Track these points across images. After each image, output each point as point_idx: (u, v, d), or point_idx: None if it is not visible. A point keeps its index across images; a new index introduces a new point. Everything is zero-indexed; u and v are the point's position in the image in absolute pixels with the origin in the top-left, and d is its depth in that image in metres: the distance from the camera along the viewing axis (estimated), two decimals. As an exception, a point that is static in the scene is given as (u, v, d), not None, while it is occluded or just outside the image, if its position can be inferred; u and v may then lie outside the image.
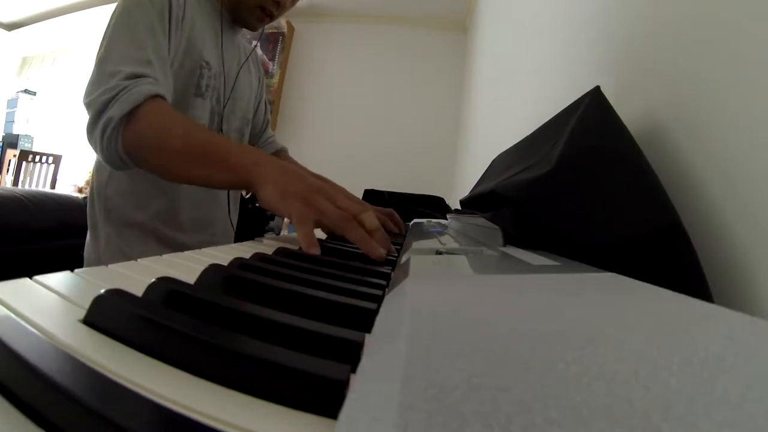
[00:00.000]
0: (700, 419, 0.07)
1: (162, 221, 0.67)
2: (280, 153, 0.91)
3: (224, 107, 0.73)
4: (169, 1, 0.59)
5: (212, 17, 0.70)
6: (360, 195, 1.74)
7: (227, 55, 0.73)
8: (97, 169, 0.68)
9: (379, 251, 0.37)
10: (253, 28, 0.75)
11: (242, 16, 0.73)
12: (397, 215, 0.75)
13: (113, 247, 0.65)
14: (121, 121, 0.48)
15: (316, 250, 0.36)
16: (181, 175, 0.50)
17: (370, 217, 0.40)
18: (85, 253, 0.69)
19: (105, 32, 0.56)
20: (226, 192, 0.78)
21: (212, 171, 0.47)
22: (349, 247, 0.40)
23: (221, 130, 0.74)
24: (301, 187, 0.41)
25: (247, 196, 1.00)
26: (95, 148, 0.51)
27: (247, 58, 0.80)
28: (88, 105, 0.50)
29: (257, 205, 1.78)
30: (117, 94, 0.48)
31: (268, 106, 0.93)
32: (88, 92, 0.51)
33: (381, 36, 3.07)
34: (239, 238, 0.79)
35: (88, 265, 0.66)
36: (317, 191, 0.41)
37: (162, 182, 0.64)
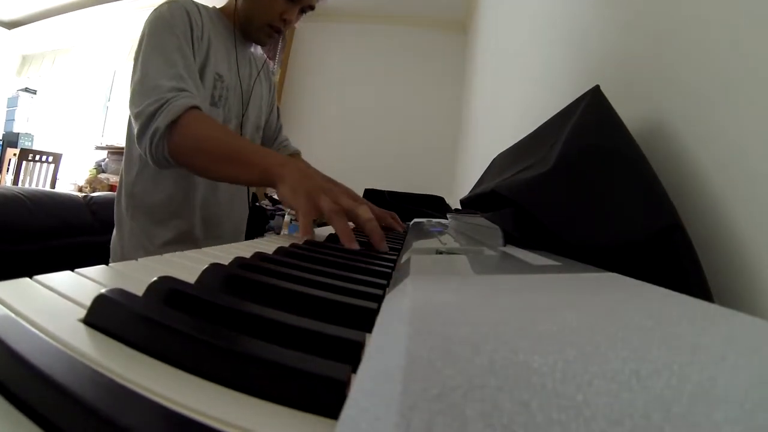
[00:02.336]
0: (701, 419, 0.07)
1: (182, 217, 0.73)
2: (294, 156, 0.98)
3: (243, 116, 0.81)
4: (190, 23, 0.67)
5: (225, 34, 0.77)
6: (360, 195, 1.75)
7: (240, 70, 0.80)
8: (126, 169, 0.74)
9: (353, 245, 0.43)
10: (262, 44, 0.83)
11: (252, 34, 0.79)
12: (397, 216, 0.82)
13: (135, 240, 0.72)
14: (166, 130, 0.56)
15: (310, 235, 0.45)
16: (217, 174, 0.59)
17: (365, 210, 0.47)
18: (111, 247, 0.76)
19: (137, 56, 0.64)
20: (241, 194, 0.87)
21: (243, 170, 0.54)
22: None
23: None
24: (310, 186, 0.48)
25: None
26: (144, 152, 0.60)
27: (259, 72, 0.88)
28: (137, 116, 0.58)
29: (258, 204, 1.80)
30: (161, 106, 0.56)
31: (280, 112, 1.02)
32: (135, 104, 0.59)
33: (381, 36, 3.06)
34: (246, 236, 0.88)
35: (114, 258, 0.76)
36: (323, 191, 0.48)
37: (183, 183, 0.72)
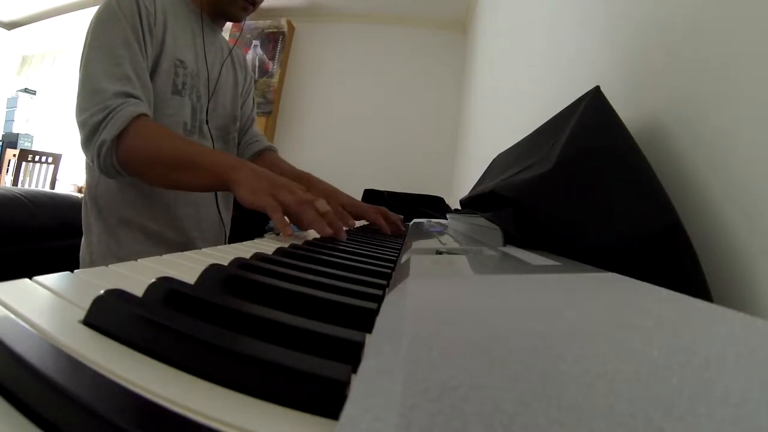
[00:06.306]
0: (701, 419, 0.07)
1: (150, 218, 0.69)
2: (266, 152, 0.90)
3: (208, 104, 0.75)
4: (139, 11, 0.62)
5: (189, 18, 0.72)
6: (360, 195, 1.74)
7: (207, 55, 0.75)
8: (88, 170, 0.69)
9: (327, 230, 0.47)
10: (236, 19, 0.77)
11: (224, 9, 0.73)
12: (390, 212, 0.79)
13: (104, 245, 0.67)
14: (113, 142, 0.54)
15: (290, 231, 0.46)
16: (170, 183, 0.58)
17: (321, 203, 0.49)
18: (80, 255, 0.71)
19: (83, 50, 0.60)
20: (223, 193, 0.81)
21: (196, 177, 0.54)
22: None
23: (207, 126, 0.76)
24: (266, 185, 0.50)
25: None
26: (91, 161, 0.57)
27: (227, 57, 0.82)
28: (81, 125, 0.56)
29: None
30: (106, 117, 0.54)
31: (255, 103, 0.93)
32: (79, 112, 0.56)
33: (381, 36, 3.06)
34: (236, 237, 0.80)
35: (83, 265, 0.70)
36: (280, 187, 0.50)
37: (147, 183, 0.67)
